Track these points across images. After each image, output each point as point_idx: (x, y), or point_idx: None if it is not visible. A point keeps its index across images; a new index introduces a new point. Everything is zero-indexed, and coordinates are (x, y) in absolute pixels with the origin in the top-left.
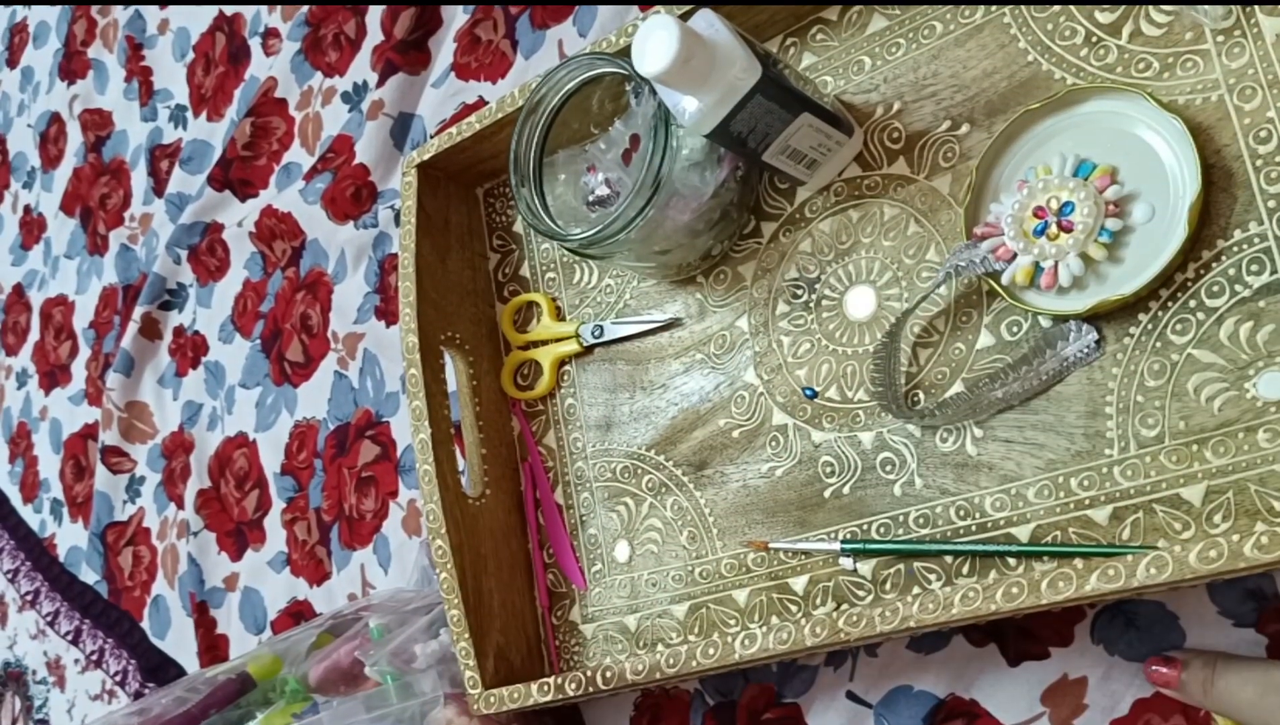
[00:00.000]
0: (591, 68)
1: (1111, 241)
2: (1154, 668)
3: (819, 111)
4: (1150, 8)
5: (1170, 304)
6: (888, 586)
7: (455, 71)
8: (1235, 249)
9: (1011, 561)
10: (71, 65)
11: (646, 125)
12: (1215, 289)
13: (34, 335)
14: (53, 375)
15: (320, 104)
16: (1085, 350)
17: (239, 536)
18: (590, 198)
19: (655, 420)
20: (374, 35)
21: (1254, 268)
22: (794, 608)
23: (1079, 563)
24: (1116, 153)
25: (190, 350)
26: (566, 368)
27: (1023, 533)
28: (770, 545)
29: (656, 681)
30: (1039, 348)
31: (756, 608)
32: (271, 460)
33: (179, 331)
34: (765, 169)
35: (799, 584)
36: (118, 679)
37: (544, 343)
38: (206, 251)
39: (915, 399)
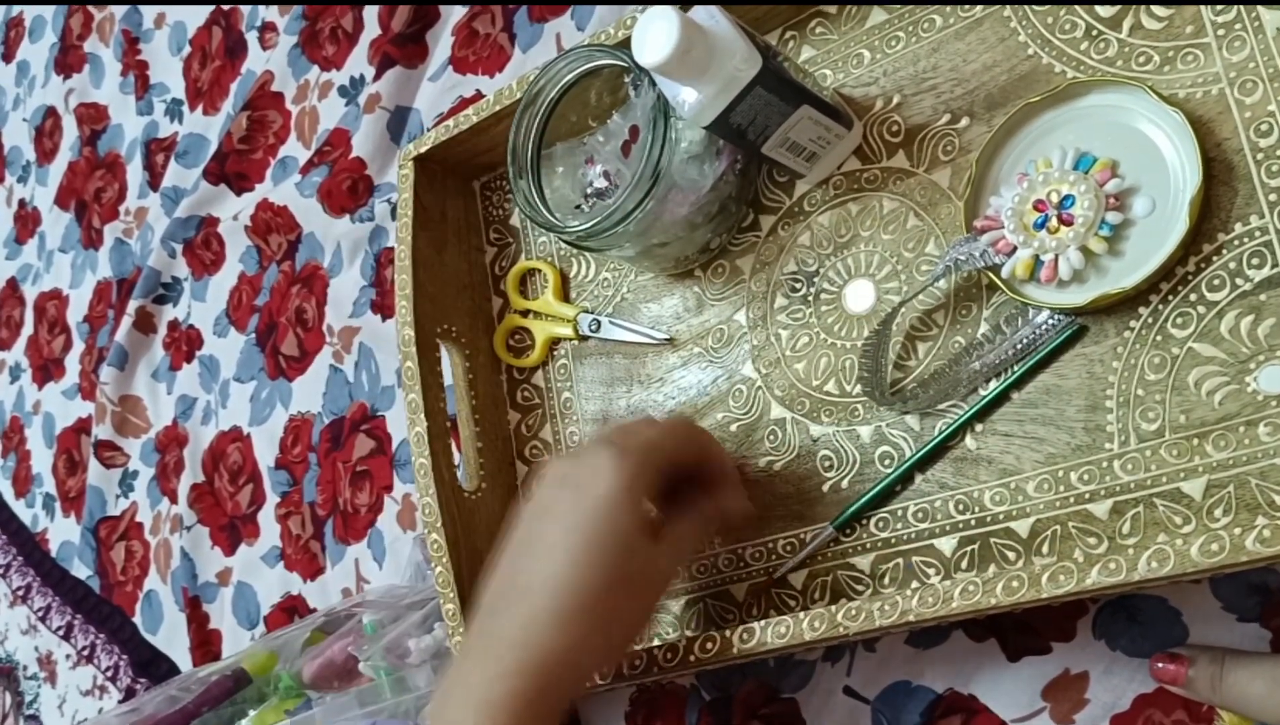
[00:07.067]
0: (590, 60)
1: (1112, 235)
2: (1160, 664)
3: (818, 104)
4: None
5: (1171, 297)
6: (886, 581)
7: (453, 65)
8: (1236, 242)
9: (1011, 556)
10: (67, 59)
11: (645, 117)
12: (1216, 282)
13: (28, 329)
14: (46, 369)
15: (317, 98)
16: (1057, 318)
17: (232, 531)
18: (588, 190)
19: (653, 414)
20: (371, 29)
21: (1255, 261)
22: (791, 602)
23: (1079, 556)
24: (1117, 146)
25: (185, 344)
26: (563, 359)
27: (1022, 527)
28: (774, 577)
29: (653, 676)
30: (1011, 317)
31: (753, 603)
32: (266, 454)
33: (173, 325)
34: (764, 162)
35: (796, 579)
36: (109, 674)
37: (542, 316)
38: (202, 245)
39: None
